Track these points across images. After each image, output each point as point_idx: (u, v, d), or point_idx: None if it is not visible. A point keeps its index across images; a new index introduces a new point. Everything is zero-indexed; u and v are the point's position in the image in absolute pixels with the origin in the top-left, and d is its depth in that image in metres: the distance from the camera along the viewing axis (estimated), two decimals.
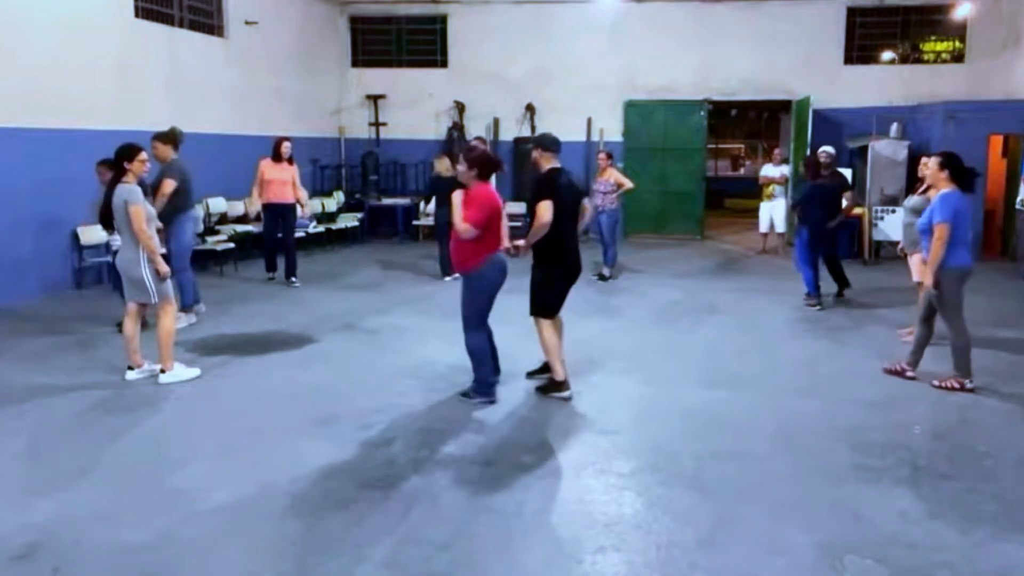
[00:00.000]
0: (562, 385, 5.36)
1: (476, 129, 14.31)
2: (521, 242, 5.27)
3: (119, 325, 6.75)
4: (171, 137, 7.38)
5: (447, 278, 9.63)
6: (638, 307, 8.41)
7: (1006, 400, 5.44)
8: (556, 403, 5.30)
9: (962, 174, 5.63)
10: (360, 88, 14.91)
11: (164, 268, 5.67)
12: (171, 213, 7.07)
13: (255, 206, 9.61)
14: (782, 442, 4.65)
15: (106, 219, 5.68)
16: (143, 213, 5.54)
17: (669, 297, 9.04)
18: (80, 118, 8.80)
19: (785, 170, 12.71)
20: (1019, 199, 11.08)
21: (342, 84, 14.94)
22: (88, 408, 5.17)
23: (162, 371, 5.69)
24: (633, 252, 12.22)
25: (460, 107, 14.52)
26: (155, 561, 3.32)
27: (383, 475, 4.16)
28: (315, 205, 12.54)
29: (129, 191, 5.55)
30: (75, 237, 8.88)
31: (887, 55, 13.95)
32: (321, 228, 12.57)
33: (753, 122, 26.37)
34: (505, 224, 5.31)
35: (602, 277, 9.85)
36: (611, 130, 14.31)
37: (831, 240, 8.72)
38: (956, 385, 5.62)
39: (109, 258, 7.44)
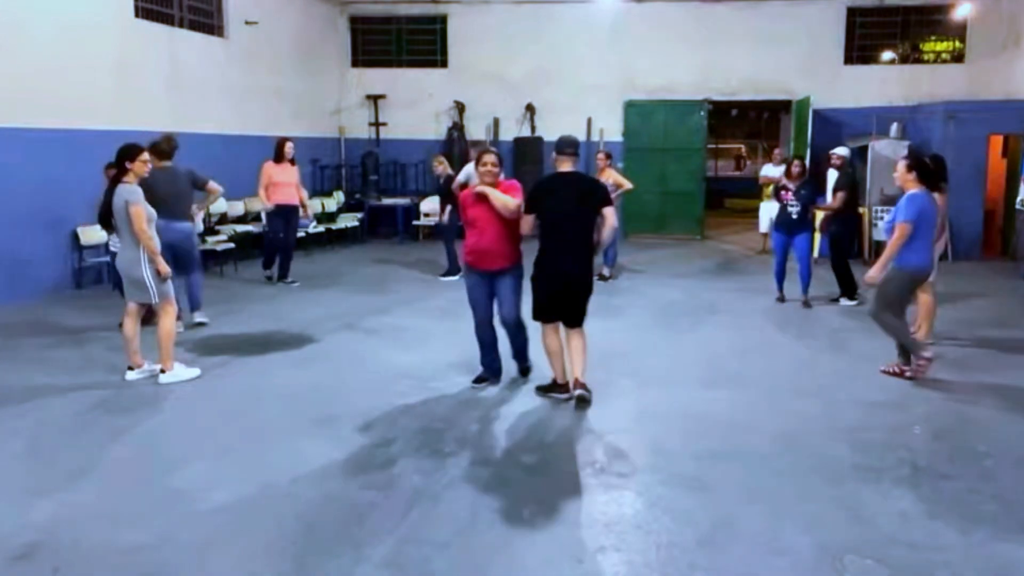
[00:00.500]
0: (563, 387, 5.35)
1: (476, 129, 14.32)
2: None
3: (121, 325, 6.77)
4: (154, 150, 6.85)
5: (453, 278, 9.61)
6: (638, 307, 8.41)
7: (1006, 400, 5.43)
8: (556, 403, 5.29)
9: (929, 175, 5.74)
10: (360, 88, 14.91)
11: (164, 268, 5.67)
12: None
13: (267, 206, 9.52)
14: (782, 442, 4.65)
15: (105, 219, 5.67)
16: (143, 214, 5.54)
17: (669, 297, 9.04)
18: (80, 118, 8.80)
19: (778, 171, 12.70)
20: (1019, 199, 11.08)
21: (342, 84, 14.94)
22: (88, 408, 5.17)
23: (162, 371, 5.69)
24: (633, 252, 12.21)
25: (460, 107, 14.52)
26: (155, 561, 3.32)
27: (383, 475, 4.16)
28: (315, 205, 12.53)
29: (130, 191, 5.54)
30: (75, 237, 8.88)
31: (887, 55, 13.95)
32: (321, 228, 12.58)
33: (753, 122, 26.40)
34: None
35: (602, 277, 9.84)
36: (611, 130, 14.31)
37: (840, 242, 8.72)
38: (909, 372, 5.78)
39: (108, 258, 7.40)
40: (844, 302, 8.54)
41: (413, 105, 14.66)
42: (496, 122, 14.56)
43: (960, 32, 13.62)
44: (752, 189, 17.27)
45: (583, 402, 5.15)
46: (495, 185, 5.27)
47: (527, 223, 5.18)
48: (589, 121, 14.25)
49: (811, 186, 8.55)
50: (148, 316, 6.10)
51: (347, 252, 12.63)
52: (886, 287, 5.71)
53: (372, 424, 4.88)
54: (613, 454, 4.48)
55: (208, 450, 4.51)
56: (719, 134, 25.82)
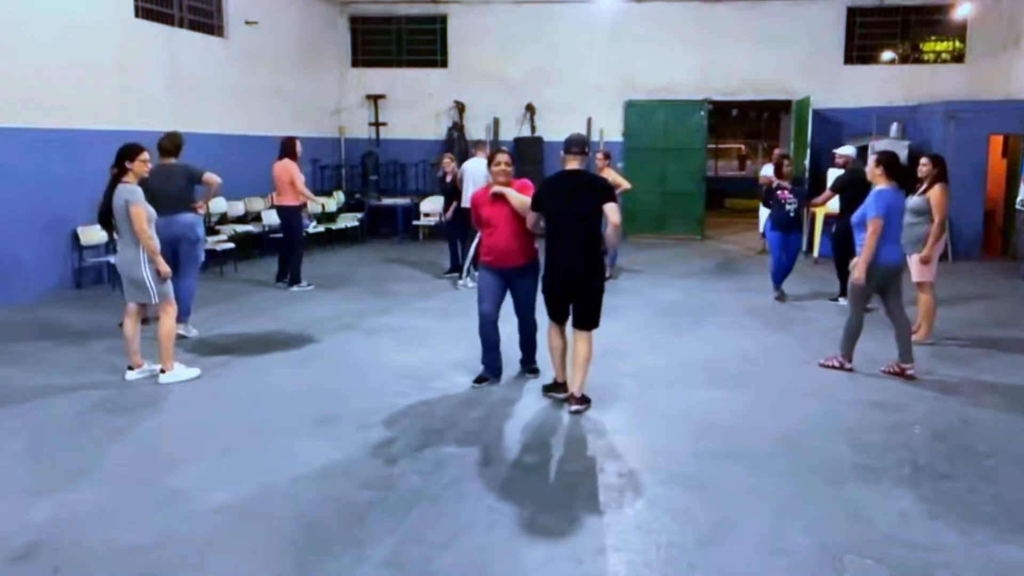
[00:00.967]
0: (562, 386, 5.36)
1: (476, 129, 14.32)
2: None
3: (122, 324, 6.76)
4: (158, 147, 7.02)
5: (463, 279, 9.55)
6: (638, 307, 8.41)
7: (1006, 400, 5.43)
8: (557, 403, 5.29)
9: (897, 171, 5.90)
10: (360, 88, 14.91)
11: (164, 268, 5.66)
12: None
13: (316, 204, 9.54)
14: (782, 442, 4.65)
15: (105, 219, 5.67)
16: (144, 213, 5.54)
17: (669, 297, 9.04)
18: (80, 118, 8.80)
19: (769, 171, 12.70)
20: (1019, 199, 11.08)
21: (342, 84, 14.94)
22: (88, 408, 5.17)
23: (162, 371, 5.69)
24: (633, 252, 12.21)
25: (460, 107, 14.52)
26: (155, 561, 3.32)
27: (383, 475, 4.16)
28: (314, 205, 12.51)
29: (130, 191, 5.54)
30: (75, 237, 8.88)
31: (887, 55, 13.95)
32: (321, 228, 12.58)
33: (753, 122, 26.42)
34: None
35: None
36: (611, 130, 14.31)
37: (843, 242, 8.72)
38: (836, 364, 6.04)
39: (109, 258, 7.38)
40: (843, 301, 8.53)
41: (413, 105, 14.66)
42: (496, 122, 14.56)
43: (960, 32, 13.62)
44: (752, 189, 17.27)
45: (582, 400, 5.17)
46: (508, 184, 5.36)
47: (531, 220, 5.26)
48: (589, 121, 14.24)
49: (800, 185, 8.64)
50: (145, 320, 6.11)
51: (347, 252, 12.63)
52: (856, 281, 5.91)
53: (372, 424, 4.88)
54: (613, 454, 4.48)
55: (208, 450, 4.51)
56: (719, 134, 25.85)
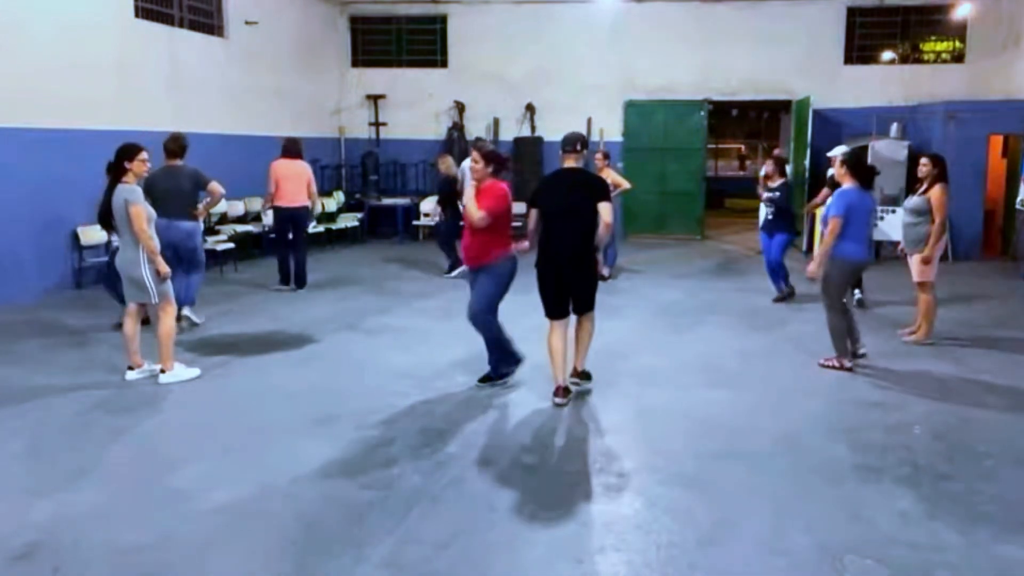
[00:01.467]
0: (556, 390, 5.31)
1: (476, 129, 14.31)
2: (524, 244, 5.44)
3: (117, 325, 6.80)
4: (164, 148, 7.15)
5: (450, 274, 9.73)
6: (638, 307, 8.41)
7: (1006, 400, 5.43)
8: (557, 404, 5.29)
9: (860, 171, 6.08)
10: (360, 88, 14.91)
11: (164, 268, 5.66)
12: None
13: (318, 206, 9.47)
14: (782, 442, 4.65)
15: (105, 219, 5.67)
16: (143, 213, 5.54)
17: (669, 297, 9.04)
18: (80, 118, 8.79)
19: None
20: (1019, 199, 11.08)
21: (342, 84, 14.94)
22: (88, 408, 5.17)
23: (162, 371, 5.69)
24: (633, 252, 12.22)
25: (460, 107, 14.52)
26: (155, 561, 3.32)
27: (383, 475, 4.16)
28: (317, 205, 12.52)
29: (130, 191, 5.54)
30: (75, 237, 8.88)
31: (887, 55, 13.94)
32: (321, 228, 12.57)
33: (753, 122, 26.41)
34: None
35: (601, 277, 9.80)
36: (611, 130, 14.30)
37: None
38: (836, 364, 6.07)
39: (108, 258, 7.38)
40: None
41: (413, 105, 14.66)
42: (496, 122, 14.55)
43: (960, 32, 13.61)
44: (752, 189, 17.26)
45: (567, 393, 5.28)
46: (480, 182, 5.30)
47: (531, 219, 5.31)
48: (589, 121, 14.24)
49: (786, 187, 8.69)
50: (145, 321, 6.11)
51: (347, 252, 12.63)
52: (827, 279, 6.08)
53: (372, 424, 4.88)
54: (613, 454, 4.48)
55: (208, 450, 4.51)
56: (719, 134, 25.85)
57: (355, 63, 15.07)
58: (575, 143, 5.28)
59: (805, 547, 3.44)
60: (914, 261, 6.77)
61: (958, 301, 8.55)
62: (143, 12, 9.97)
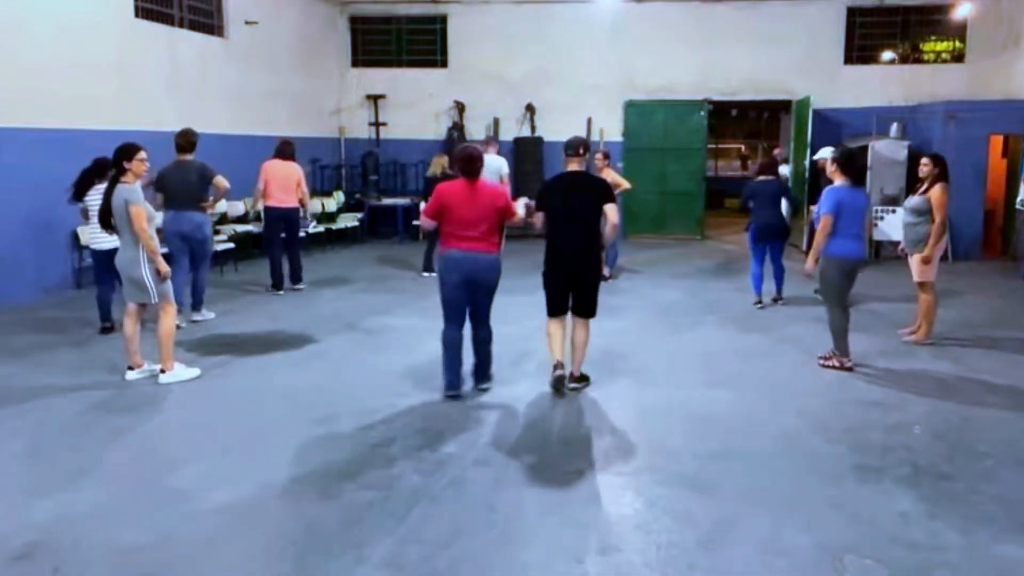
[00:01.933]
0: (556, 364, 5.43)
1: (476, 129, 14.32)
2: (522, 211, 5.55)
3: (104, 329, 6.95)
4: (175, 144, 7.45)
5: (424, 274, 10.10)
6: (638, 307, 8.41)
7: (1006, 400, 5.43)
8: (556, 403, 5.30)
9: (851, 169, 6.11)
10: (360, 88, 14.91)
11: (164, 268, 5.66)
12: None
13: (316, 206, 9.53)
14: (782, 442, 4.65)
15: (105, 219, 5.67)
16: (143, 213, 5.54)
17: (669, 297, 9.05)
18: (80, 118, 8.79)
19: (785, 170, 12.69)
20: (1019, 199, 11.08)
21: (342, 84, 14.94)
22: (88, 408, 5.17)
23: (162, 371, 5.69)
24: (633, 252, 12.21)
25: (460, 107, 14.52)
26: (155, 561, 3.32)
27: (383, 475, 4.16)
28: (315, 205, 12.51)
29: (129, 191, 5.55)
30: (75, 237, 8.87)
31: (887, 55, 13.95)
32: (321, 228, 12.57)
33: (753, 122, 26.38)
34: (521, 207, 5.55)
35: (603, 277, 9.81)
36: (611, 130, 14.31)
37: None
38: (836, 363, 6.08)
39: (91, 259, 7.43)
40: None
41: (413, 105, 14.66)
42: (496, 122, 14.55)
43: (960, 32, 13.62)
44: None
45: (559, 388, 5.38)
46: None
47: (538, 219, 5.45)
48: (589, 121, 14.24)
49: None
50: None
51: (347, 252, 12.63)
52: (824, 278, 6.13)
53: (372, 424, 4.88)
54: (613, 454, 4.48)
55: (208, 450, 4.51)
56: (719, 134, 25.81)
57: (355, 63, 15.08)
58: (578, 147, 5.43)
59: (805, 547, 3.43)
60: (914, 261, 6.77)
61: (958, 301, 8.55)
62: (143, 12, 9.97)
